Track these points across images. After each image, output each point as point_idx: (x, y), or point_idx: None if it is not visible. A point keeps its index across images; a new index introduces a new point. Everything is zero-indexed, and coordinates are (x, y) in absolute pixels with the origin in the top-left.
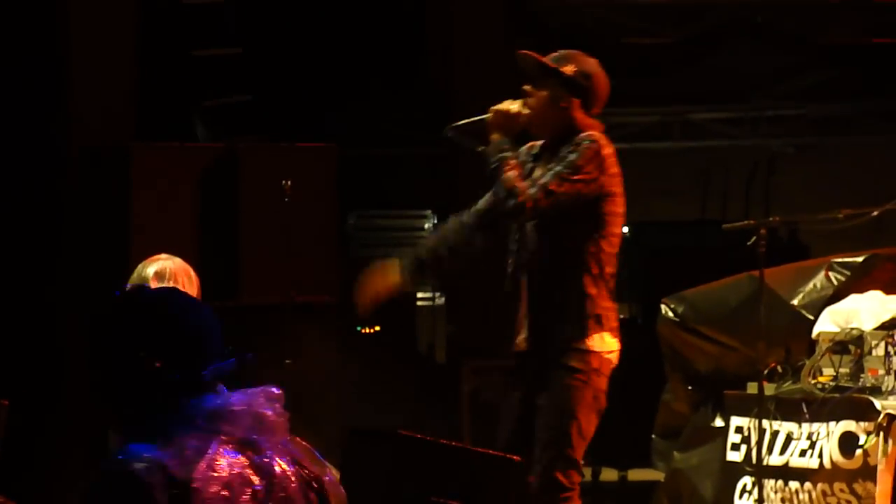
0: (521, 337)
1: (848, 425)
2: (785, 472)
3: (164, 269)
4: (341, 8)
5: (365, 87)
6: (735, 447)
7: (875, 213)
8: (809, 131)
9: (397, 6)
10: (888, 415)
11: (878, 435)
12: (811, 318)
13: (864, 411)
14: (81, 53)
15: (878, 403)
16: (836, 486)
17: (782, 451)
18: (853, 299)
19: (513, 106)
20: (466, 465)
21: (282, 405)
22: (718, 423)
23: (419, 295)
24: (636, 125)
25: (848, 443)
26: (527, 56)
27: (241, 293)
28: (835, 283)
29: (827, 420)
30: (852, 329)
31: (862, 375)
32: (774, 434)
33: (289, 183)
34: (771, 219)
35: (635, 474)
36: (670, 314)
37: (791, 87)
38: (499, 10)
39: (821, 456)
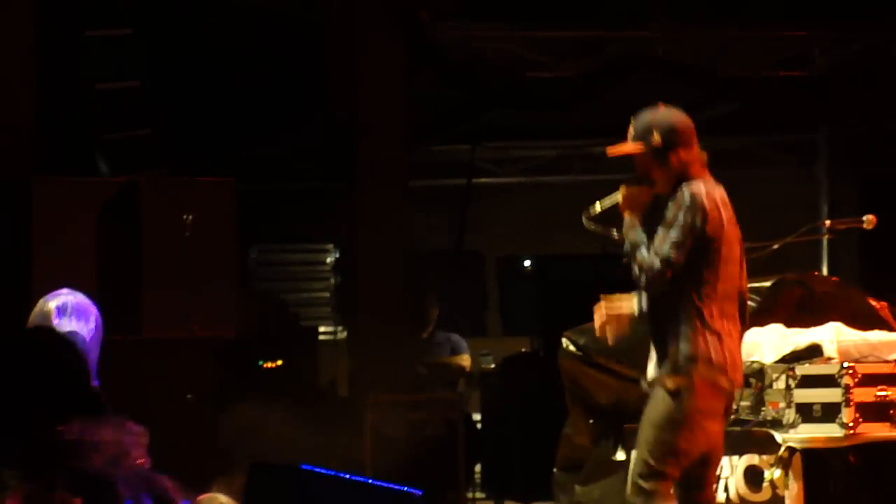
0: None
1: (751, 459)
2: None
3: (65, 303)
4: (243, 41)
5: (266, 121)
6: None
7: (776, 247)
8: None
9: (298, 40)
10: (789, 448)
11: (780, 468)
12: None
13: (765, 444)
14: None
15: (778, 437)
16: None
17: None
18: (754, 332)
19: (642, 190)
20: (368, 500)
21: (140, 440)
22: (620, 456)
23: (321, 329)
24: (537, 158)
25: (754, 476)
26: (623, 153)
27: (143, 327)
28: None
29: (730, 454)
30: (753, 362)
31: (763, 408)
32: None
33: (190, 217)
34: None
35: None
36: (572, 347)
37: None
38: (400, 43)
39: (727, 489)
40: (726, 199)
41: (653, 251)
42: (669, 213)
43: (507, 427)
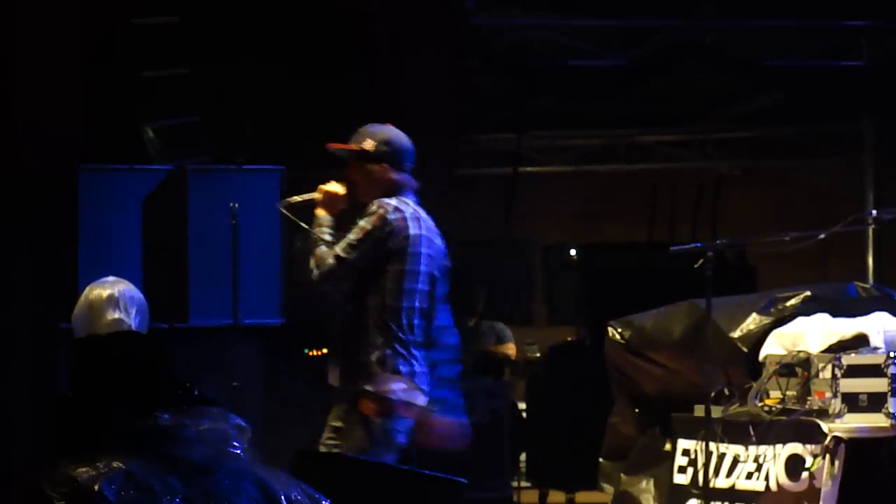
0: None
1: (794, 448)
2: (731, 495)
3: (112, 292)
4: (289, 28)
5: (312, 108)
6: (682, 470)
7: (822, 236)
8: (756, 154)
9: (344, 28)
10: (835, 437)
11: (824, 458)
12: (745, 350)
13: (810, 434)
14: (29, 76)
15: (824, 426)
16: None
17: (729, 474)
18: (800, 322)
19: (338, 187)
20: (413, 487)
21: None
22: (666, 445)
23: None
24: (583, 147)
25: (794, 465)
26: (335, 149)
27: (188, 315)
28: (773, 316)
29: (773, 443)
30: (799, 352)
31: (809, 398)
32: (721, 456)
33: (236, 205)
34: (718, 241)
35: (582, 497)
36: (617, 337)
37: (738, 110)
38: (445, 31)
39: (767, 478)
40: (431, 225)
41: (331, 249)
42: (358, 219)
43: (552, 416)
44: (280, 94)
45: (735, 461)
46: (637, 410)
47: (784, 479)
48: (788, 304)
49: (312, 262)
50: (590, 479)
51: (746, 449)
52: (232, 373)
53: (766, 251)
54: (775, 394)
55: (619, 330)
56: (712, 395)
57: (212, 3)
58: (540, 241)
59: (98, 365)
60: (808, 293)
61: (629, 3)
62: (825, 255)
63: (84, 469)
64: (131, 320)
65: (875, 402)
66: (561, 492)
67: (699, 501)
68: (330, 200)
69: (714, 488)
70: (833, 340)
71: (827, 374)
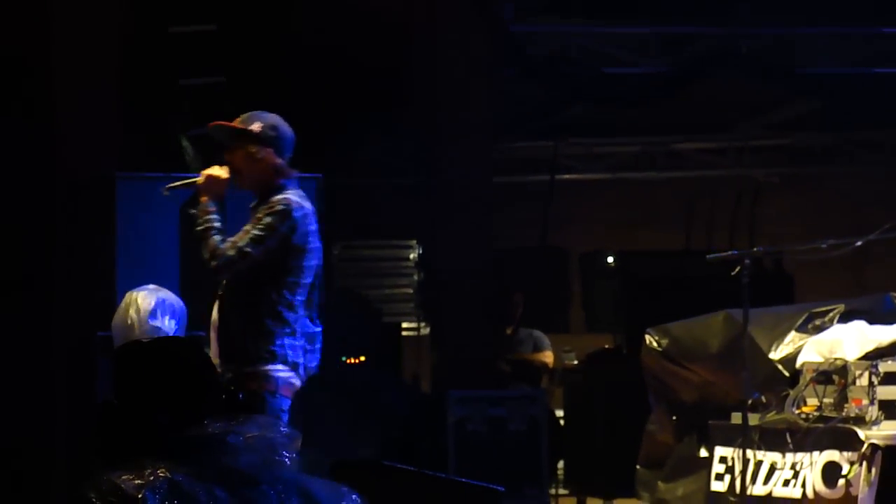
0: None
1: (831, 455)
2: (769, 502)
3: (151, 300)
4: (327, 37)
5: (349, 118)
6: (719, 477)
7: (859, 244)
8: (794, 161)
9: (383, 36)
10: (872, 445)
11: (861, 465)
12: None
13: (847, 441)
14: (66, 85)
15: (861, 433)
16: None
17: (766, 481)
18: (837, 329)
19: (221, 171)
20: (451, 496)
21: (292, 441)
22: (703, 453)
23: (404, 325)
24: (620, 155)
25: (831, 473)
26: (217, 126)
27: None
28: (811, 334)
29: (811, 450)
30: (836, 359)
31: (846, 405)
32: (758, 464)
33: None
34: (755, 249)
35: None
36: (655, 344)
37: (775, 117)
38: (482, 39)
39: (804, 486)
40: (314, 211)
41: (230, 240)
42: (259, 213)
43: (589, 423)
44: (318, 102)
45: (772, 468)
46: (674, 418)
47: (821, 487)
48: (826, 318)
49: (206, 252)
50: (627, 486)
51: (783, 456)
52: None
53: (803, 259)
54: (812, 401)
55: (657, 338)
56: (749, 402)
57: (248, 11)
58: (577, 249)
59: (142, 371)
60: (844, 307)
61: (666, 11)
62: (862, 263)
63: (129, 477)
64: (170, 327)
65: None
66: (599, 499)
67: None
68: (213, 185)
69: (751, 496)
70: (870, 348)
71: (864, 381)
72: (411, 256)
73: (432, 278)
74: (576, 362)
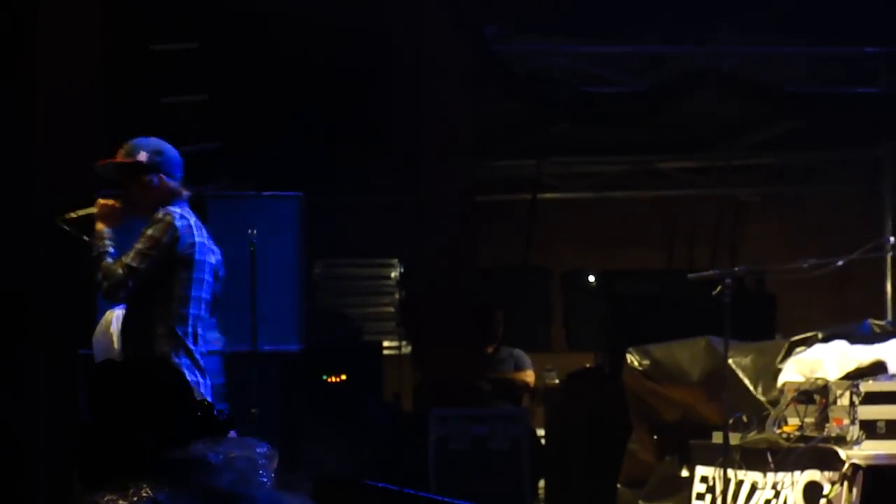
0: None
1: (812, 475)
2: None
3: None
4: (308, 55)
5: (330, 136)
6: (700, 497)
7: (840, 263)
8: (775, 180)
9: (364, 55)
10: (853, 464)
11: (842, 485)
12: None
13: (829, 461)
14: (48, 102)
15: (842, 453)
16: None
17: (747, 501)
18: (818, 349)
19: (114, 202)
20: None
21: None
22: (684, 472)
23: (385, 344)
24: (603, 174)
25: (812, 492)
26: (104, 165)
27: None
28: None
29: (792, 469)
30: (817, 379)
31: (827, 425)
32: (739, 483)
33: (255, 231)
34: (736, 269)
35: None
36: (636, 364)
37: (757, 136)
38: (465, 58)
39: None
40: (206, 234)
41: (119, 260)
42: (144, 229)
43: (571, 442)
44: (298, 121)
45: (753, 488)
46: (655, 437)
47: None
48: (807, 346)
49: (100, 276)
50: None
51: (765, 476)
52: (250, 398)
53: (785, 278)
54: (793, 421)
55: (638, 358)
56: (730, 422)
57: (230, 29)
58: (559, 268)
59: (120, 390)
60: (822, 335)
61: (648, 30)
62: (844, 282)
63: (112, 497)
64: None
65: (893, 430)
66: None
67: None
68: (108, 214)
69: None
70: (851, 367)
71: (845, 401)
72: (392, 275)
73: (413, 297)
74: (557, 381)
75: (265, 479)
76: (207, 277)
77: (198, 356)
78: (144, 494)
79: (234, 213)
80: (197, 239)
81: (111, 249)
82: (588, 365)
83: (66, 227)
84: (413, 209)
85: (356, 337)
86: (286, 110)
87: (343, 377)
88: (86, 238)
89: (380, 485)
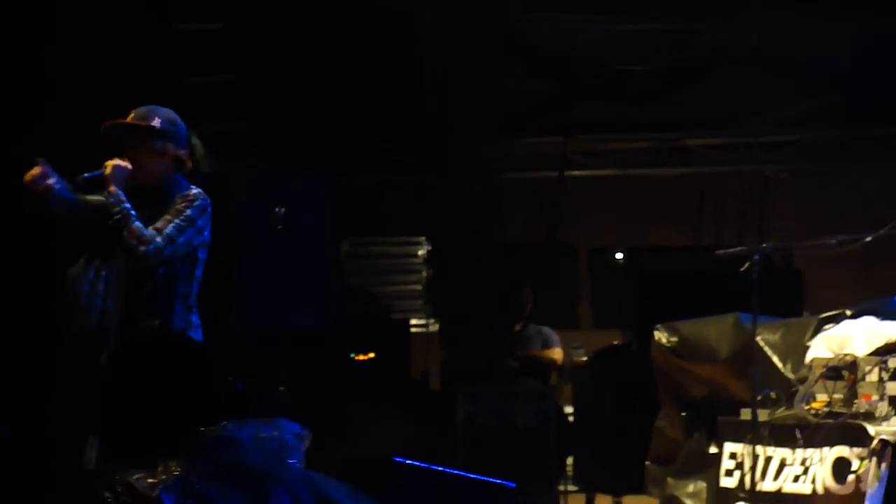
0: None
1: (841, 451)
2: (778, 498)
3: None
4: (336, 35)
5: (359, 114)
6: (729, 473)
7: (868, 239)
8: (803, 157)
9: (390, 32)
10: (881, 440)
11: (870, 460)
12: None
13: (857, 437)
14: (73, 82)
15: (871, 429)
16: None
17: (776, 477)
18: (847, 325)
19: (125, 163)
20: (461, 491)
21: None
22: (712, 449)
23: (413, 322)
24: (629, 151)
25: (841, 469)
26: (114, 124)
27: (235, 320)
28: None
29: (820, 446)
30: (846, 355)
31: (855, 401)
32: (768, 460)
33: (282, 210)
34: (764, 245)
35: (630, 501)
36: (664, 341)
37: (785, 112)
38: (491, 35)
39: (814, 482)
40: None
41: (153, 227)
42: (179, 205)
43: (598, 420)
44: (326, 99)
45: (782, 464)
46: (684, 414)
47: (831, 482)
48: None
49: (133, 239)
50: (637, 483)
51: (793, 452)
52: (278, 377)
53: (812, 254)
54: (822, 397)
55: (666, 335)
56: (759, 398)
57: (255, 9)
58: (586, 245)
59: (146, 367)
60: (850, 311)
61: (675, 6)
62: (872, 258)
63: (141, 475)
64: None
65: None
66: (608, 496)
67: None
68: (118, 176)
69: (761, 491)
70: (880, 343)
71: (874, 377)
72: (420, 253)
73: (441, 275)
74: (585, 359)
75: (294, 461)
76: (206, 257)
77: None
78: (175, 472)
79: (262, 192)
80: (210, 223)
81: (133, 211)
82: (615, 342)
83: (81, 187)
84: (440, 187)
85: (384, 315)
86: (312, 90)
87: (371, 355)
88: (103, 199)
89: (408, 462)
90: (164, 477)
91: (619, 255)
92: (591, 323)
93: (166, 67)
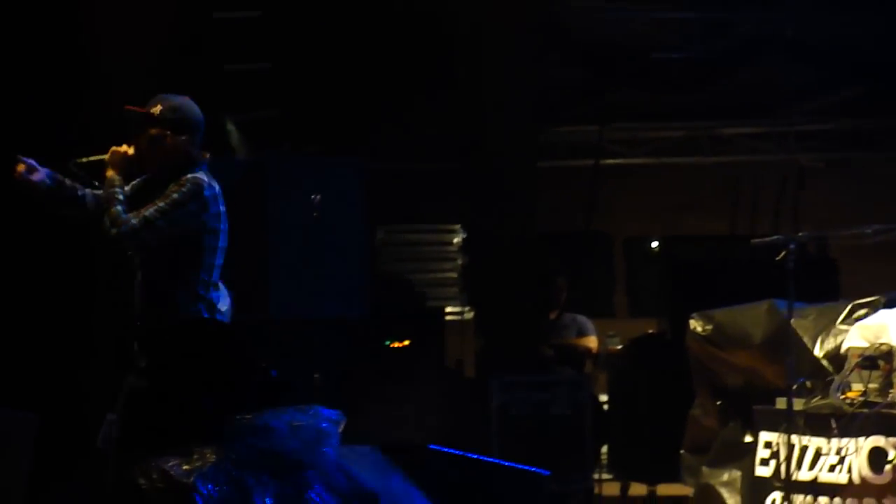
0: None
1: (877, 440)
2: (814, 488)
3: None
4: (371, 24)
5: (394, 102)
6: (764, 462)
7: None
8: (838, 146)
9: (426, 20)
10: None
11: None
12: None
13: (893, 426)
14: (111, 68)
15: None
16: (866, 501)
17: (811, 467)
18: (882, 314)
19: (127, 149)
20: (495, 479)
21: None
22: (748, 438)
23: (448, 310)
24: (664, 140)
25: (877, 458)
26: (128, 110)
27: (269, 307)
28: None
29: (856, 435)
30: (881, 344)
31: (891, 391)
32: (803, 449)
33: (318, 197)
34: (799, 234)
35: (664, 489)
36: (699, 330)
37: (820, 101)
38: (527, 23)
39: (850, 471)
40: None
41: (136, 211)
42: (168, 190)
43: (633, 408)
44: (361, 87)
45: (817, 454)
46: (719, 403)
47: (867, 472)
48: (869, 308)
49: (108, 221)
50: (671, 471)
51: (829, 441)
52: (313, 365)
53: (847, 244)
54: (857, 386)
55: (701, 323)
56: (794, 387)
57: None
58: (621, 234)
59: (179, 355)
60: (884, 299)
61: None
62: None
63: (176, 461)
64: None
65: None
66: (643, 484)
67: (781, 494)
68: (119, 161)
69: (796, 481)
70: None
71: None
72: (455, 241)
73: (476, 263)
74: (620, 347)
75: (329, 449)
76: (223, 244)
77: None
78: (210, 458)
79: (297, 179)
80: (222, 208)
81: (120, 197)
82: (650, 330)
83: (77, 172)
84: (475, 175)
85: (419, 303)
86: (347, 78)
87: (406, 343)
88: (96, 183)
89: (443, 449)
90: (199, 464)
91: (654, 244)
92: (626, 311)
93: (204, 55)
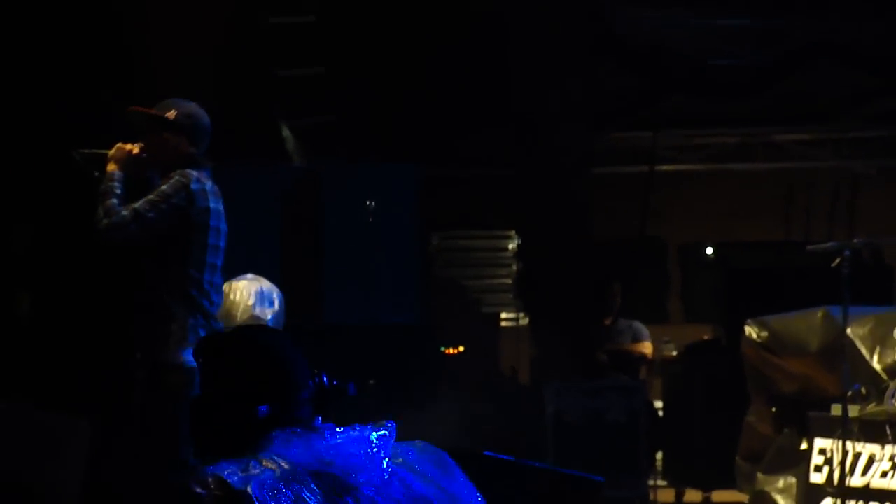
0: None
1: None
2: (866, 494)
3: (250, 289)
4: (427, 29)
5: (449, 109)
6: (818, 469)
7: None
8: (892, 153)
9: (481, 28)
10: None
11: None
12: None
13: None
14: (165, 74)
15: None
16: None
17: (864, 473)
18: None
19: (132, 147)
20: (550, 485)
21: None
22: (802, 445)
23: (503, 315)
24: (718, 146)
25: None
26: (133, 111)
27: (323, 313)
28: None
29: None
30: None
31: None
32: (857, 455)
33: (373, 203)
34: (854, 241)
35: (719, 496)
36: (754, 336)
37: (874, 108)
38: (581, 30)
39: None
40: (219, 193)
41: (128, 206)
42: (159, 185)
43: (688, 415)
44: (416, 94)
45: (871, 460)
46: (774, 409)
47: None
48: None
49: (101, 212)
50: (726, 478)
51: (882, 448)
52: (368, 371)
53: None
54: None
55: (756, 330)
56: (849, 394)
57: (346, 3)
58: (676, 240)
59: (229, 361)
60: None
61: (765, 2)
62: None
63: (231, 470)
64: (268, 317)
65: None
66: (698, 491)
67: (834, 500)
68: (123, 158)
69: (849, 487)
70: None
71: None
72: (510, 247)
73: (531, 269)
74: (675, 353)
75: (384, 454)
76: (221, 244)
77: (211, 320)
78: (268, 467)
79: (352, 186)
80: (212, 205)
81: (118, 191)
82: (705, 337)
83: (79, 161)
84: (530, 181)
85: (474, 308)
86: (403, 84)
87: (461, 349)
88: (96, 174)
89: (498, 456)
90: (255, 471)
91: (709, 250)
92: (681, 317)
93: (258, 60)
